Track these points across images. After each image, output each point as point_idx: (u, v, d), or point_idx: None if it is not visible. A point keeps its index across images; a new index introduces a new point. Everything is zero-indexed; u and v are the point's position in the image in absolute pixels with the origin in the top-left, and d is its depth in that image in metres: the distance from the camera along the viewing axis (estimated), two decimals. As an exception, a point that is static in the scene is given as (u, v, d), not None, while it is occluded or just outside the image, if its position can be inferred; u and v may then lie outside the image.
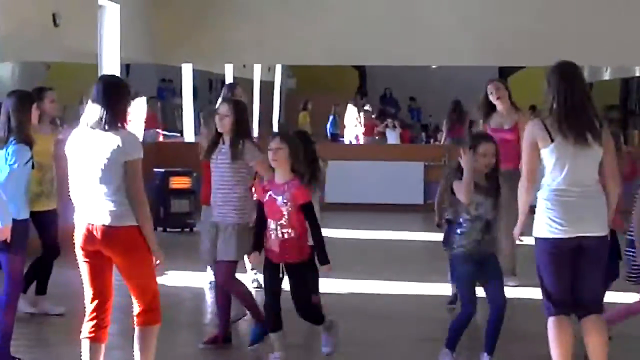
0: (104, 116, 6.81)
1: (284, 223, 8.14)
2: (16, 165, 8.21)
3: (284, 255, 8.19)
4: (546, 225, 7.26)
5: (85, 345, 7.12)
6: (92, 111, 6.91)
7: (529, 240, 7.50)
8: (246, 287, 9.35)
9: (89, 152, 6.82)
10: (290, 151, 8.19)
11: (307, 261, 8.43)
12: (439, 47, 21.35)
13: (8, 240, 7.80)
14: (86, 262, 6.86)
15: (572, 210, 7.22)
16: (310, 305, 8.54)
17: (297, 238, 8.20)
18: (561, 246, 7.25)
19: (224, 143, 8.90)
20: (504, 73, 26.38)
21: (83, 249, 6.82)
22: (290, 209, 8.09)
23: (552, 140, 7.22)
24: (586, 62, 26.01)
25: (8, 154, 8.25)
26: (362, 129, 26.84)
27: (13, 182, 8.21)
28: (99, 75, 18.63)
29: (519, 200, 7.37)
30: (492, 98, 11.80)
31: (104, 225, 6.76)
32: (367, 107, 27.94)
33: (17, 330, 8.42)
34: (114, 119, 6.84)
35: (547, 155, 7.28)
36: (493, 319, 8.11)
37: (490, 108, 11.86)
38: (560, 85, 7.31)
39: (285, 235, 8.17)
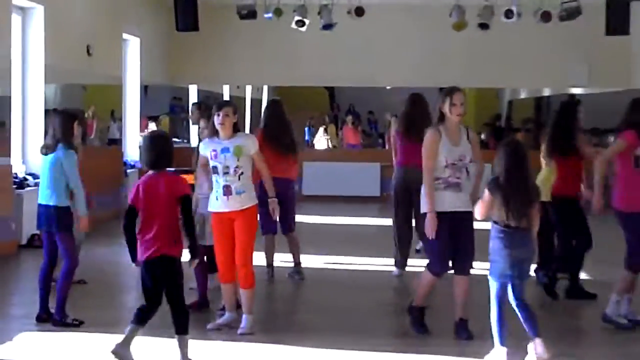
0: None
1: None
2: (67, 165, 8.19)
3: None
4: None
5: None
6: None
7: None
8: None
9: None
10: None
11: None
12: (391, 72, 21.50)
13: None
14: None
15: None
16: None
17: None
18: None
19: None
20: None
21: None
22: None
23: None
24: (507, 85, 26.25)
25: (57, 158, 8.21)
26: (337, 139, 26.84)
27: (63, 177, 8.18)
28: (124, 94, 18.70)
29: None
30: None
31: None
32: (351, 120, 27.68)
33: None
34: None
35: None
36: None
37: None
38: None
39: None
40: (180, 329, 6.84)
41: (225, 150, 7.88)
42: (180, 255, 6.84)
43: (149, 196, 6.74)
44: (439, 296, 8.80)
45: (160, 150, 6.83)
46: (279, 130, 10.63)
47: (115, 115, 19.17)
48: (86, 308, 8.79)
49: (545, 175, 9.96)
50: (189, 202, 6.90)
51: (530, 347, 7.11)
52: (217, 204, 7.93)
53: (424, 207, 7.81)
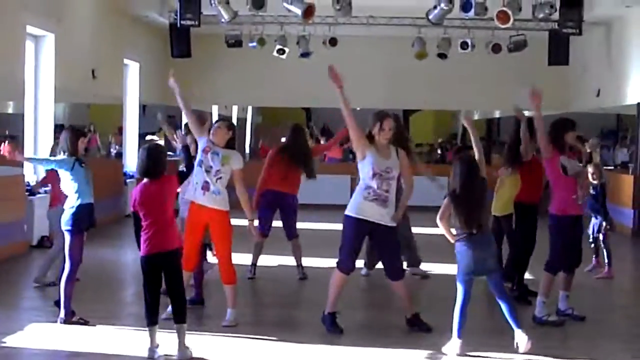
0: None
1: None
2: (68, 169, 8.05)
3: None
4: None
5: None
6: None
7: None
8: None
9: None
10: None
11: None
12: (361, 95, 21.40)
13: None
14: None
15: None
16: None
17: None
18: None
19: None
20: (407, 113, 26.44)
21: None
22: None
23: None
24: (463, 107, 26.26)
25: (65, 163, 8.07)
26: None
27: (71, 181, 8.02)
28: (124, 112, 18.64)
29: None
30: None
31: None
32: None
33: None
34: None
35: None
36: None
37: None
38: None
39: None
40: (180, 318, 6.80)
41: (215, 153, 7.91)
42: (180, 247, 6.81)
43: (146, 201, 6.73)
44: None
45: (155, 159, 6.81)
46: (302, 154, 10.48)
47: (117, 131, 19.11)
48: (89, 302, 8.75)
49: (506, 188, 9.66)
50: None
51: (519, 337, 7.06)
52: (195, 194, 7.90)
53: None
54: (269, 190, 10.30)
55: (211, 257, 9.93)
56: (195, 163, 7.86)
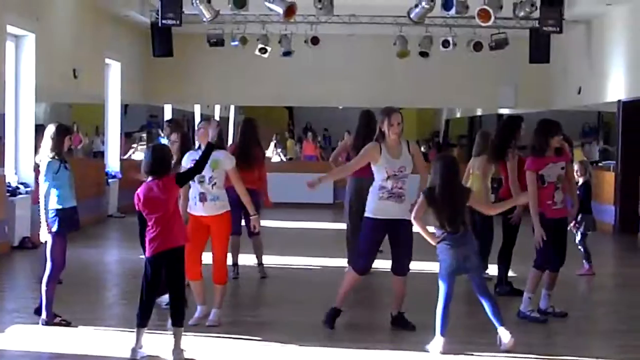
0: None
1: None
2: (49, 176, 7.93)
3: None
4: None
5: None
6: None
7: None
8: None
9: None
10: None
11: None
12: (343, 93, 21.57)
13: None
14: None
15: None
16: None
17: None
18: None
19: None
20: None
21: None
22: None
23: None
24: (445, 105, 26.38)
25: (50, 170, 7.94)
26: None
27: (54, 187, 7.85)
28: (106, 112, 18.57)
29: None
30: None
31: None
32: (311, 136, 27.59)
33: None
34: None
35: None
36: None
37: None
38: None
39: None
40: (178, 321, 6.75)
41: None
42: (184, 244, 6.80)
43: (149, 201, 6.72)
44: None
45: (160, 159, 6.79)
46: (249, 147, 10.47)
47: (99, 130, 19.04)
48: (72, 303, 8.69)
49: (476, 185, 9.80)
50: (185, 172, 7.07)
51: (502, 334, 7.05)
52: (195, 207, 7.88)
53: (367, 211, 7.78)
54: (230, 187, 10.22)
55: None
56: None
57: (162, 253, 6.69)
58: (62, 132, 8.04)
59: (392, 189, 7.65)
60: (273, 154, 25.22)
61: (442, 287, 7.11)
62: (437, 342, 7.10)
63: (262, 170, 10.73)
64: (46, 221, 7.73)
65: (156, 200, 6.71)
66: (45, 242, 7.88)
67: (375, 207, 7.69)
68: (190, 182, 7.76)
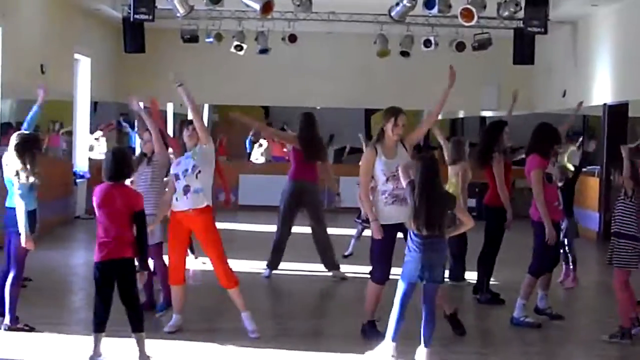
0: None
1: None
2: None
3: None
4: None
5: None
6: None
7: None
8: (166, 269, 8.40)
9: None
10: None
11: None
12: (321, 94, 21.55)
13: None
14: None
15: None
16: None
17: None
18: None
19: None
20: (368, 112, 26.51)
21: None
22: None
23: None
24: (426, 107, 26.31)
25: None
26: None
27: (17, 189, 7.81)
28: (74, 109, 18.46)
29: None
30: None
31: None
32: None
33: None
34: None
35: None
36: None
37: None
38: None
39: None
40: (137, 327, 6.73)
41: (187, 156, 7.89)
42: (134, 256, 6.73)
43: (105, 205, 6.66)
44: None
45: (118, 163, 6.73)
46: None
47: (64, 127, 18.93)
48: (36, 307, 8.62)
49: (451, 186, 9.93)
50: (143, 218, 6.79)
51: (420, 356, 6.97)
52: (176, 203, 7.84)
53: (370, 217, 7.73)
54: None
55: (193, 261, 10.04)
56: (172, 179, 7.89)
57: (111, 262, 6.64)
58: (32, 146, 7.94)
59: (393, 190, 7.66)
60: (255, 153, 25.23)
61: (400, 290, 7.04)
62: (388, 346, 7.02)
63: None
64: (24, 227, 7.66)
65: (115, 208, 6.65)
66: (9, 243, 7.84)
67: (380, 214, 7.68)
68: (175, 183, 7.80)
